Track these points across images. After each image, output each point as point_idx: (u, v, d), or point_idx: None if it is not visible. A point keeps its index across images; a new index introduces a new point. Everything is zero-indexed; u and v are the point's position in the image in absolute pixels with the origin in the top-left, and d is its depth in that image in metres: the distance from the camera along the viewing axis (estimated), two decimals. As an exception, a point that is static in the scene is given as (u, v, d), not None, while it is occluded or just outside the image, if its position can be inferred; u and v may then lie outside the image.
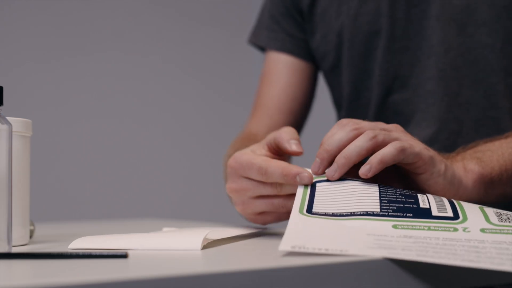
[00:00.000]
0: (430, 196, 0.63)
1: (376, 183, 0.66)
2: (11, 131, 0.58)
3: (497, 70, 0.91)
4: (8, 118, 0.59)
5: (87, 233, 0.75)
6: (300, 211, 0.60)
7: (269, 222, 0.74)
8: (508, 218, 0.60)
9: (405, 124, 0.94)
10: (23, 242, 0.65)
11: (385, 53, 0.97)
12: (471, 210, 0.61)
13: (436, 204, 0.61)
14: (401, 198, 0.61)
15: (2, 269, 0.46)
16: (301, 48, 1.09)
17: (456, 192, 0.69)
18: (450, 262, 0.48)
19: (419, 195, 0.62)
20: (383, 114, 0.99)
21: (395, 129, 0.68)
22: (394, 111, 0.98)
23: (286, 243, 0.51)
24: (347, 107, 1.05)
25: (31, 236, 0.74)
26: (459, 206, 0.61)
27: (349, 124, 0.66)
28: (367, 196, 0.62)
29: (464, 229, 0.57)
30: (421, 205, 0.60)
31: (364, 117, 1.01)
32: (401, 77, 0.96)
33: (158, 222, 1.15)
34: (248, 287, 0.44)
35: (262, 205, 0.71)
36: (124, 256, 0.51)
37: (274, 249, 0.59)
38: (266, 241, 0.68)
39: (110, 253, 0.51)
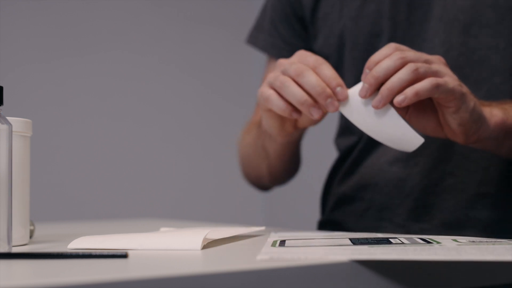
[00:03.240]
0: (403, 239, 0.63)
1: (346, 237, 0.67)
2: (11, 131, 0.58)
3: (501, 70, 0.91)
4: (8, 118, 0.59)
5: (87, 233, 0.75)
6: (273, 245, 0.60)
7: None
8: (480, 242, 0.60)
9: None
10: (23, 242, 0.65)
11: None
12: (444, 240, 0.61)
13: (409, 240, 0.61)
14: (374, 242, 0.61)
15: (2, 269, 0.46)
16: None
17: (477, 129, 0.77)
18: (431, 258, 0.49)
19: (391, 240, 0.62)
20: None
21: (437, 61, 0.75)
22: None
23: (269, 253, 0.52)
24: None
25: (31, 236, 0.74)
26: (431, 239, 0.61)
27: (396, 53, 0.73)
28: (339, 242, 0.62)
29: (439, 244, 0.57)
30: (393, 242, 0.60)
31: None
32: None
33: (158, 222, 1.15)
34: (248, 287, 0.44)
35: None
36: (124, 256, 0.51)
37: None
38: (266, 241, 0.68)
39: (110, 253, 0.51)
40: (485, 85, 0.91)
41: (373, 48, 0.99)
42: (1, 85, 0.58)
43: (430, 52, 0.94)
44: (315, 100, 0.75)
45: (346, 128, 1.06)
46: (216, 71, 2.44)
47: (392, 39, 0.96)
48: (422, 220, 0.92)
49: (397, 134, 0.74)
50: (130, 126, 2.27)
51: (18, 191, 0.64)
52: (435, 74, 0.73)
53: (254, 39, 1.15)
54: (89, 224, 1.15)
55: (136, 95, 2.29)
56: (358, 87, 0.75)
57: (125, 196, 2.23)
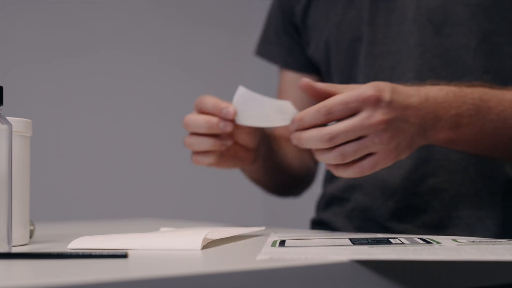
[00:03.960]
0: (403, 239, 0.63)
1: (346, 237, 0.67)
2: (11, 131, 0.58)
3: (474, 68, 0.90)
4: (8, 118, 0.59)
5: (87, 233, 0.76)
6: (273, 245, 0.60)
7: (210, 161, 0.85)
8: (480, 242, 0.60)
9: None
10: (23, 242, 0.65)
11: (366, 58, 0.98)
12: (444, 240, 0.61)
13: (409, 241, 0.61)
14: (373, 242, 0.61)
15: (2, 269, 0.46)
16: (301, 62, 1.11)
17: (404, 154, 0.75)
18: (431, 258, 0.49)
19: (391, 240, 0.62)
20: None
21: (374, 135, 0.71)
22: None
23: (268, 253, 0.52)
24: None
25: (31, 236, 0.74)
26: (431, 240, 0.62)
27: (325, 134, 0.71)
28: (339, 242, 0.62)
29: (439, 244, 0.57)
30: (393, 242, 0.60)
31: None
32: (383, 80, 0.97)
33: (157, 222, 1.15)
34: (248, 287, 0.44)
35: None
36: (124, 256, 0.51)
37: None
38: (266, 241, 0.68)
39: (110, 253, 0.51)
40: None
41: (355, 53, 1.00)
42: (1, 85, 0.58)
43: (408, 53, 0.94)
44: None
45: None
46: (216, 71, 2.44)
47: (371, 42, 0.97)
48: (405, 220, 0.92)
49: (278, 110, 0.78)
50: (130, 126, 2.27)
51: (18, 191, 0.64)
52: (365, 151, 0.72)
53: (262, 51, 1.18)
54: (89, 224, 1.15)
55: (136, 95, 2.29)
56: (237, 95, 0.80)
57: (125, 196, 2.23)
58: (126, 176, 2.25)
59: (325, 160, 0.73)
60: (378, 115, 0.71)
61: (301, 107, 1.13)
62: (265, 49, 1.16)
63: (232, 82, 2.46)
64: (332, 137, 0.71)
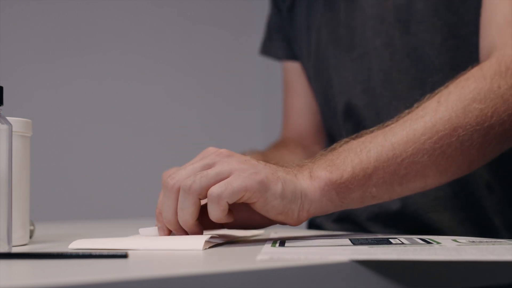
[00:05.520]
0: (403, 239, 0.63)
1: (346, 237, 0.66)
2: (11, 131, 0.58)
3: (440, 66, 0.88)
4: (8, 118, 0.59)
5: (87, 233, 0.76)
6: (273, 245, 0.60)
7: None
8: (480, 242, 0.60)
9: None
10: (23, 242, 0.65)
11: (344, 61, 0.98)
12: (444, 240, 0.61)
13: (409, 241, 0.61)
14: (374, 242, 0.61)
15: (2, 269, 0.46)
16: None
17: (301, 208, 0.65)
18: (431, 258, 0.49)
19: (391, 240, 0.63)
20: (349, 122, 0.98)
21: (219, 160, 0.65)
22: (358, 117, 0.97)
23: (269, 253, 0.52)
24: (323, 117, 1.07)
25: (31, 236, 0.74)
26: (431, 240, 0.62)
27: (167, 193, 0.64)
28: (339, 243, 0.62)
29: (439, 244, 0.57)
30: (393, 242, 0.60)
31: (336, 126, 1.02)
32: (361, 82, 0.96)
33: (158, 222, 1.15)
34: (248, 287, 0.44)
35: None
36: (124, 256, 0.51)
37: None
38: (266, 241, 0.68)
39: (110, 253, 0.51)
40: (429, 84, 0.88)
41: (332, 55, 0.99)
42: (1, 85, 0.58)
43: (375, 53, 0.93)
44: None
45: (331, 137, 1.06)
46: (216, 71, 2.44)
47: (349, 45, 0.97)
48: (388, 225, 0.92)
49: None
50: (130, 126, 2.27)
51: (18, 191, 0.64)
52: (217, 179, 0.62)
53: (265, 49, 1.19)
54: (89, 224, 1.15)
55: (136, 95, 2.29)
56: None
57: (125, 196, 2.23)
58: (126, 176, 2.25)
59: (185, 219, 0.63)
60: (220, 149, 0.67)
61: (306, 96, 1.14)
62: (268, 47, 1.18)
63: (232, 82, 2.47)
64: (171, 185, 0.64)
